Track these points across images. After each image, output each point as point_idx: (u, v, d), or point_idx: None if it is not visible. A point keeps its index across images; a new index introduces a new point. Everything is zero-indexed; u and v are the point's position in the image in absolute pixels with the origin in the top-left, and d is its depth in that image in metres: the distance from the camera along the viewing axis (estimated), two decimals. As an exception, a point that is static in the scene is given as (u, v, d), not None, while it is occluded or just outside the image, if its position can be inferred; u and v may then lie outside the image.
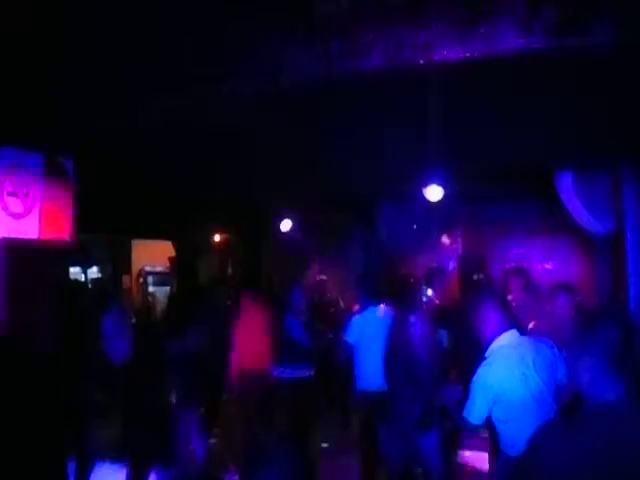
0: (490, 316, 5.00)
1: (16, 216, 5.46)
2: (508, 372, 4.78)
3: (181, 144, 6.39)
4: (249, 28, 4.59)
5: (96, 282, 15.56)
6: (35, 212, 5.61)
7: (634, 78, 4.73)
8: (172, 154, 6.76)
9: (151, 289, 15.82)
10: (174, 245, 13.45)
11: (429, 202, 9.62)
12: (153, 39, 4.93)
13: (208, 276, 13.64)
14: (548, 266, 13.93)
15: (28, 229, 5.57)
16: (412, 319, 7.03)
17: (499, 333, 4.93)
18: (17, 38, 4.99)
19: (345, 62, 4.25)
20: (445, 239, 14.38)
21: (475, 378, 4.92)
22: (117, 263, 15.67)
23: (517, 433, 4.61)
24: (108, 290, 14.67)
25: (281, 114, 5.52)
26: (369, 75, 4.23)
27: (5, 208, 5.38)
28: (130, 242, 15.33)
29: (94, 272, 15.87)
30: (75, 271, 15.22)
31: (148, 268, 16.12)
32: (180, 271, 13.88)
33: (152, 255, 15.32)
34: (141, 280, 16.05)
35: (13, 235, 5.43)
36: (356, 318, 8.14)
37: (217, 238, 13.76)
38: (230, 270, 15.08)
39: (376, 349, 7.26)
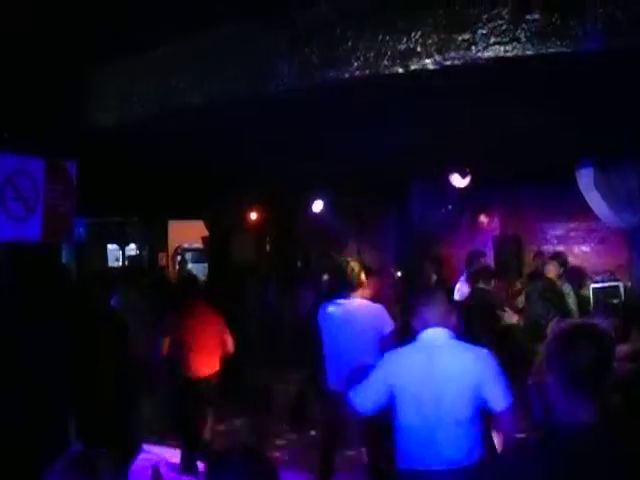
0: None
1: (19, 220, 5.48)
2: None
3: (203, 129, 6.30)
4: (236, 37, 4.56)
5: (133, 259, 15.78)
6: (37, 215, 5.62)
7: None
8: (198, 138, 6.70)
9: (189, 266, 15.89)
10: (206, 225, 13.48)
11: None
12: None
13: (242, 256, 13.66)
14: (585, 249, 13.70)
15: (30, 232, 5.59)
16: None
17: None
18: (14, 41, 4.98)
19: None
20: (483, 219, 14.18)
21: None
22: (153, 241, 15.78)
23: None
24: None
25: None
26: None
27: (7, 212, 5.39)
28: (167, 221, 15.40)
29: (132, 249, 16.03)
30: (113, 248, 15.45)
31: (185, 245, 16.22)
32: (213, 251, 13.93)
33: (188, 233, 15.40)
34: (178, 258, 16.15)
35: (15, 238, 5.45)
36: None
37: (253, 217, 13.64)
38: (268, 248, 15.08)
39: None
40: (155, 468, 5.44)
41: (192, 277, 10.27)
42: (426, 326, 4.37)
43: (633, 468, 2.58)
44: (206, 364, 7.73)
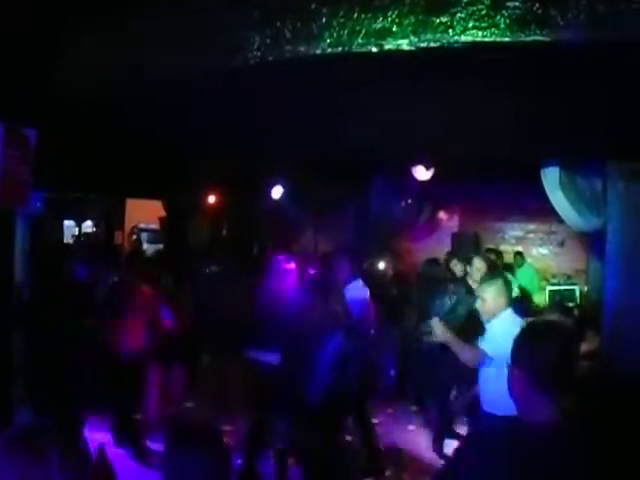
0: None
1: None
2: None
3: (168, 105, 6.12)
4: (207, 7, 4.43)
5: (88, 236, 15.53)
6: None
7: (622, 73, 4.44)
8: (158, 115, 6.51)
9: (145, 246, 15.64)
10: (164, 205, 13.31)
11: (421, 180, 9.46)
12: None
13: (197, 238, 13.50)
14: (544, 251, 13.77)
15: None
16: None
17: None
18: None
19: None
20: (442, 215, 14.18)
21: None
22: (110, 219, 15.52)
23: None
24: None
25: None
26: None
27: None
28: (124, 199, 15.16)
29: (88, 226, 15.78)
30: (69, 224, 15.17)
31: (142, 225, 15.98)
32: (169, 233, 13.78)
33: (146, 213, 15.16)
34: (134, 237, 15.92)
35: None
36: None
37: (212, 201, 13.47)
38: (225, 233, 14.94)
39: None
40: (101, 447, 5.32)
41: (137, 250, 10.15)
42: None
43: (591, 467, 2.54)
44: (134, 339, 7.50)
